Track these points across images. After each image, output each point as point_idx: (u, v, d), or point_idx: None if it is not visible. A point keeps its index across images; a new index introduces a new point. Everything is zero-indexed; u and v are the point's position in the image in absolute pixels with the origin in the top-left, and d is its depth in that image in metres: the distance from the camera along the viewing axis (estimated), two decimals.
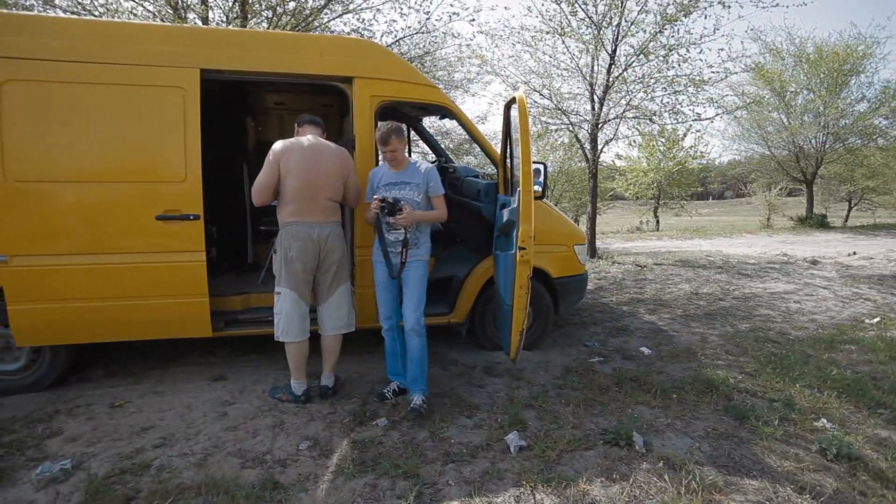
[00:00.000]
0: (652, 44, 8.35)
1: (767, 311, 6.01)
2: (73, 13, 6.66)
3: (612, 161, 22.00)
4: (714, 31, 8.41)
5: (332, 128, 5.65)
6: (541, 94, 9.68)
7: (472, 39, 23.40)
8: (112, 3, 6.73)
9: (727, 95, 11.94)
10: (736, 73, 9.16)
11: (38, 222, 3.38)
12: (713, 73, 8.74)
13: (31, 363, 3.71)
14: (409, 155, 5.00)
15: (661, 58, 8.48)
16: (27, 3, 6.66)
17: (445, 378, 3.93)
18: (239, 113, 4.96)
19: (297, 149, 3.28)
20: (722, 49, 8.41)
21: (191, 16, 6.89)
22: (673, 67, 8.54)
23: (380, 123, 3.27)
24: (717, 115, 10.12)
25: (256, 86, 5.10)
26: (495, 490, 2.58)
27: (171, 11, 6.72)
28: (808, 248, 11.57)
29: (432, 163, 5.89)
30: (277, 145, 3.30)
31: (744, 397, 3.64)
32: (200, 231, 3.55)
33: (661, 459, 2.85)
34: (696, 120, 9.03)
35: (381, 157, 3.61)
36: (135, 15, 6.87)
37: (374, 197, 3.23)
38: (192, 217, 3.53)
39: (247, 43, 3.75)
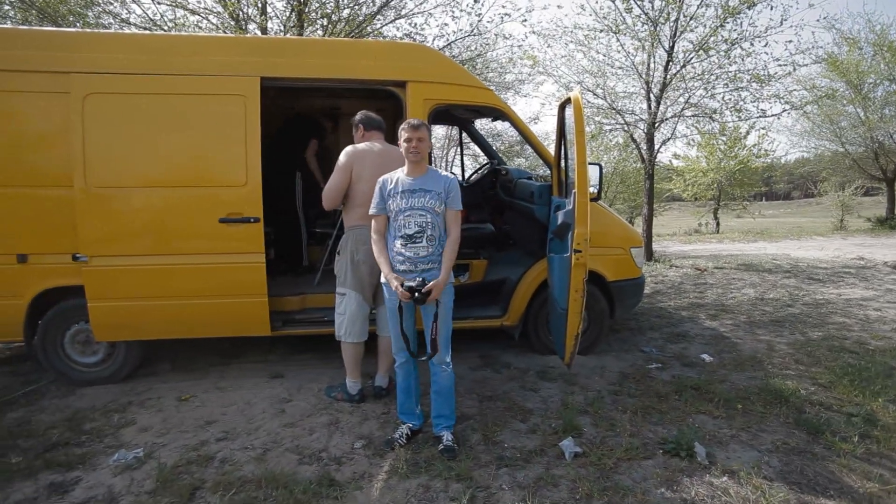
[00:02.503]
0: (712, 38, 8.01)
1: (842, 318, 5.62)
2: (145, 29, 7.09)
3: (669, 161, 21.26)
4: (781, 23, 7.98)
5: (387, 132, 5.75)
6: (594, 94, 9.47)
7: (524, 40, 23.12)
8: (179, 19, 7.12)
9: (795, 90, 11.30)
10: (805, 65, 8.65)
11: (114, 225, 3.60)
12: (780, 66, 8.29)
13: (107, 357, 3.96)
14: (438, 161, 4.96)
15: (722, 53, 8.12)
16: (106, 22, 7.13)
17: (498, 381, 3.90)
18: (304, 127, 5.13)
19: (369, 155, 3.35)
20: (790, 41, 7.99)
21: (251, 26, 7.19)
22: (735, 62, 8.16)
23: (408, 118, 2.94)
24: (784, 111, 9.51)
25: (311, 91, 5.24)
26: (550, 497, 2.53)
27: (234, 23, 7.02)
28: (889, 252, 10.76)
29: (482, 166, 5.88)
30: (349, 150, 3.38)
31: (817, 410, 3.41)
32: (260, 233, 3.68)
33: (725, 472, 2.71)
34: (760, 117, 8.59)
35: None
36: (200, 28, 7.23)
37: (403, 289, 2.73)
38: (252, 220, 3.66)
39: (304, 51, 3.86)
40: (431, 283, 2.73)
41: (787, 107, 9.26)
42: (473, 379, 3.93)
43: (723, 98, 8.61)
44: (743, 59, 8.10)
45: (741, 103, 8.43)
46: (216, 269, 3.69)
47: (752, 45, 7.92)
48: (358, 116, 3.56)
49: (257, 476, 2.68)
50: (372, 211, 2.93)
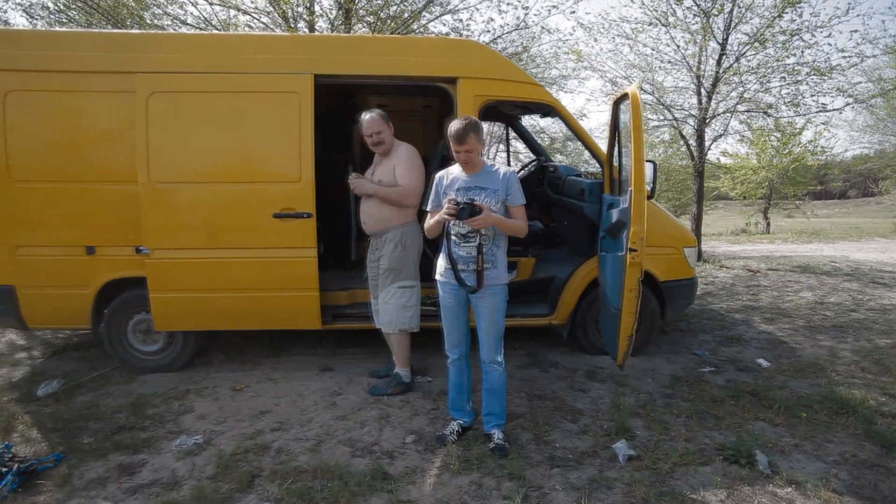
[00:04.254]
0: (769, 30, 7.66)
1: None
2: (199, 29, 7.32)
3: (717, 159, 20.48)
4: (847, 12, 7.54)
5: (432, 128, 5.76)
6: (641, 89, 9.20)
7: (571, 34, 22.42)
8: (231, 19, 7.32)
9: (860, 82, 10.68)
10: (874, 56, 8.17)
11: (175, 219, 3.74)
12: (844, 58, 7.84)
13: (166, 346, 4.12)
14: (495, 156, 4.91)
15: (779, 45, 7.75)
16: (162, 23, 7.39)
17: (546, 380, 3.86)
18: (345, 115, 5.18)
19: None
20: (856, 31, 7.43)
21: (300, 24, 7.32)
22: (794, 54, 7.78)
23: (455, 119, 2.77)
24: (848, 104, 8.97)
25: (360, 88, 5.30)
26: (604, 499, 2.49)
27: (283, 22, 7.17)
28: None
29: (530, 162, 5.81)
30: (414, 150, 3.58)
31: (889, 422, 3.23)
32: (313, 229, 3.75)
33: (790, 483, 2.61)
34: (820, 111, 8.17)
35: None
36: (251, 27, 7.42)
37: (448, 199, 2.71)
38: (305, 215, 3.73)
39: (356, 48, 3.90)
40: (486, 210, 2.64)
41: (850, 100, 8.77)
42: (521, 378, 3.90)
43: (779, 92, 8.25)
44: (802, 51, 7.72)
45: (799, 98, 8.04)
46: (270, 264, 3.78)
47: (813, 35, 7.54)
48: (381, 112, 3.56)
49: (312, 466, 2.73)
50: (428, 206, 2.94)
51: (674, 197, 20.56)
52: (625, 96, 3.36)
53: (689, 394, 3.65)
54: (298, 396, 3.60)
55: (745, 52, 8.06)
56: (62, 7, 6.82)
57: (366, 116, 3.44)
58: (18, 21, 8.11)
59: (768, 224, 21.17)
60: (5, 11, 8.44)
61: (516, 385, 3.74)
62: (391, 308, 3.53)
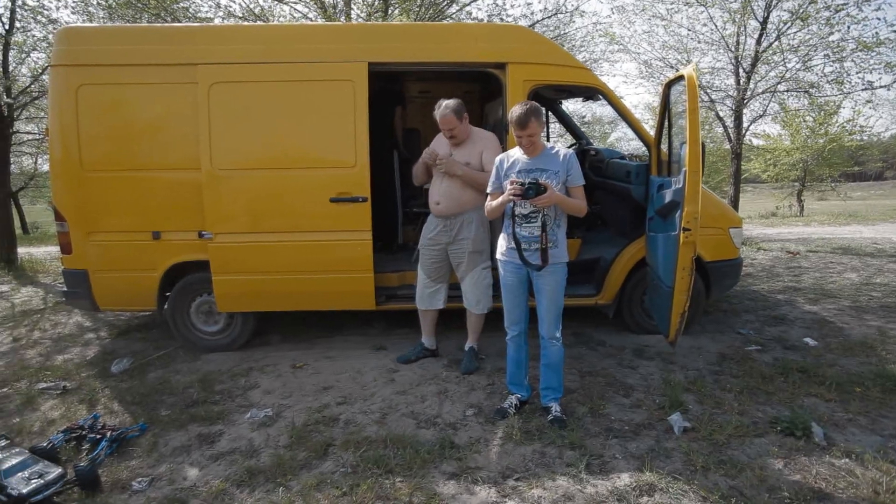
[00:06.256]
0: (813, 6, 7.48)
1: None
2: (243, 20, 7.48)
3: (749, 140, 20.02)
4: None
5: (474, 114, 5.82)
6: (676, 70, 9.11)
7: (608, 17, 21.81)
8: (271, 8, 7.46)
9: None
10: None
11: (236, 204, 3.91)
12: (894, 31, 7.62)
13: (226, 326, 4.33)
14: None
15: (823, 21, 7.58)
16: (208, 15, 7.57)
17: (595, 358, 3.95)
18: (391, 102, 5.28)
19: None
20: None
21: (337, 11, 7.40)
22: (838, 30, 7.59)
23: (516, 105, 2.85)
24: None
25: (403, 74, 5.38)
26: (664, 467, 2.59)
27: (321, 10, 7.28)
28: None
29: (571, 146, 5.84)
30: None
31: None
32: (368, 212, 3.88)
33: (846, 454, 2.66)
34: (865, 89, 7.97)
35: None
36: (293, 17, 7.55)
37: (510, 181, 2.77)
38: (360, 199, 3.87)
39: (408, 35, 4.00)
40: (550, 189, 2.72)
41: None
42: (570, 355, 3.96)
43: (821, 70, 8.07)
44: (848, 27, 7.52)
45: (843, 75, 7.86)
46: (327, 246, 3.93)
47: (860, 10, 7.33)
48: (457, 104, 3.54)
49: (381, 437, 2.89)
50: (489, 189, 3.04)
51: (707, 178, 20.21)
52: (679, 78, 3.39)
53: (737, 371, 3.71)
54: (357, 373, 3.77)
55: (786, 30, 7.90)
56: (113, 5, 7.03)
57: (439, 111, 3.46)
58: (69, 20, 8.38)
59: (802, 206, 20.69)
60: (58, 10, 8.71)
61: (566, 362, 3.80)
62: (480, 289, 3.67)
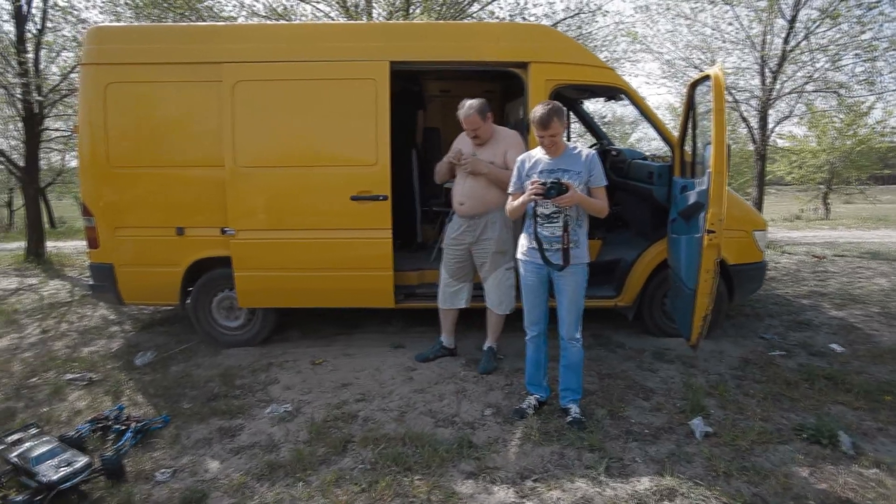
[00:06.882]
0: (843, 4, 7.30)
1: None
2: (265, 18, 7.57)
3: (774, 141, 19.59)
4: None
5: (494, 113, 5.80)
6: (700, 70, 8.97)
7: (631, 16, 21.47)
8: (294, 7, 7.54)
9: None
10: None
11: (258, 201, 3.96)
12: None
13: (247, 322, 4.38)
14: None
15: (854, 19, 7.39)
16: (232, 14, 7.68)
17: (615, 360, 3.92)
18: (411, 102, 5.29)
19: None
20: None
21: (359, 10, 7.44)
22: (870, 28, 7.39)
23: (538, 105, 2.84)
24: None
25: (424, 73, 5.39)
26: (685, 472, 2.55)
27: (342, 9, 7.32)
28: None
29: (592, 146, 5.79)
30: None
31: None
32: (388, 210, 3.90)
33: (876, 464, 2.60)
34: None
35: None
36: (315, 16, 7.61)
37: (532, 181, 2.78)
38: (381, 198, 3.88)
39: (429, 34, 4.01)
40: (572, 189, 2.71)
41: None
42: (589, 357, 3.93)
43: (852, 70, 7.87)
44: (881, 25, 7.31)
45: (875, 75, 7.66)
46: (348, 244, 3.96)
47: (894, 7, 7.14)
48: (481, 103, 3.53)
49: (400, 434, 2.90)
50: (511, 189, 3.03)
51: (728, 181, 19.80)
52: (705, 78, 3.34)
53: (760, 376, 3.64)
54: (376, 371, 3.78)
55: (815, 29, 7.72)
56: (140, 4, 7.17)
57: (462, 111, 3.45)
58: (98, 19, 8.56)
59: (828, 209, 20.20)
60: (87, 9, 8.90)
61: (585, 364, 3.78)
62: (503, 290, 3.66)
